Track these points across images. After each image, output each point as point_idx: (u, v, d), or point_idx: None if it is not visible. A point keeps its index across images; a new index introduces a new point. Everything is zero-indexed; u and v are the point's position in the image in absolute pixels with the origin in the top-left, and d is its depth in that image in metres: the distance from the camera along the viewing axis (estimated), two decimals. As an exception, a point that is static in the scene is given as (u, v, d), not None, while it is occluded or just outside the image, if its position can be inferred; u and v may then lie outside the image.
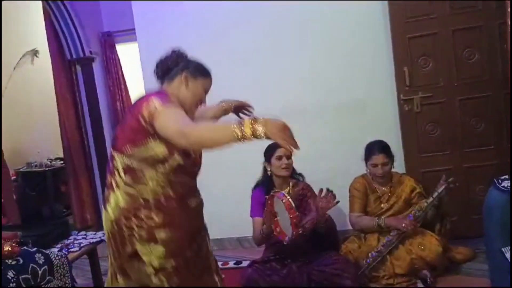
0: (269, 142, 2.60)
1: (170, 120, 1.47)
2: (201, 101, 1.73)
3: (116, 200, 1.61)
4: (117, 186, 1.61)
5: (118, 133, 1.66)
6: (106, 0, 4.85)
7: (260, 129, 1.29)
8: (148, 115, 1.51)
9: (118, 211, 1.60)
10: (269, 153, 2.62)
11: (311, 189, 2.67)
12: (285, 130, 1.31)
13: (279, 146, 2.59)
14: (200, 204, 1.77)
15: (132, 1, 3.42)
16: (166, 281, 1.59)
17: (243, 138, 1.30)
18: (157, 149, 1.55)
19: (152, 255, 1.58)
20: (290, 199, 2.18)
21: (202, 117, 1.89)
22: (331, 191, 2.36)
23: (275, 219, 2.33)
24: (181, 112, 1.54)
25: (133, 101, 1.71)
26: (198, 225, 1.76)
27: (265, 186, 2.63)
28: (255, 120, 1.32)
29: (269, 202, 2.34)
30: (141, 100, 1.60)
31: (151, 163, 1.57)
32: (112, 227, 1.63)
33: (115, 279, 1.69)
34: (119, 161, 1.60)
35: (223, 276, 1.87)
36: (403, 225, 2.50)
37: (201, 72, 1.72)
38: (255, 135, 1.30)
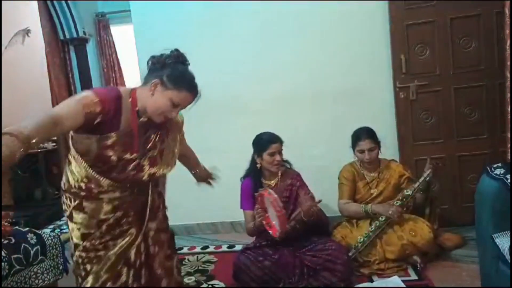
0: (261, 130, 2.62)
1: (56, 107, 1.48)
2: (164, 114, 1.56)
3: (65, 175, 1.67)
4: (68, 163, 1.65)
5: None
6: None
7: None
8: None
9: (63, 185, 1.68)
10: (261, 148, 2.57)
11: (300, 179, 2.64)
12: None
13: (273, 142, 2.56)
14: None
15: (128, -18, 3.36)
16: (79, 256, 1.64)
17: None
18: (86, 140, 1.55)
19: (72, 232, 1.66)
20: (277, 198, 2.23)
21: (185, 155, 2.00)
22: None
23: (266, 215, 2.38)
24: (71, 103, 1.48)
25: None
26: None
27: (253, 178, 2.62)
28: None
29: (259, 199, 2.38)
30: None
31: (79, 152, 1.58)
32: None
33: None
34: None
35: (216, 259, 1.88)
36: (390, 212, 2.54)
37: (176, 83, 1.53)
38: None
